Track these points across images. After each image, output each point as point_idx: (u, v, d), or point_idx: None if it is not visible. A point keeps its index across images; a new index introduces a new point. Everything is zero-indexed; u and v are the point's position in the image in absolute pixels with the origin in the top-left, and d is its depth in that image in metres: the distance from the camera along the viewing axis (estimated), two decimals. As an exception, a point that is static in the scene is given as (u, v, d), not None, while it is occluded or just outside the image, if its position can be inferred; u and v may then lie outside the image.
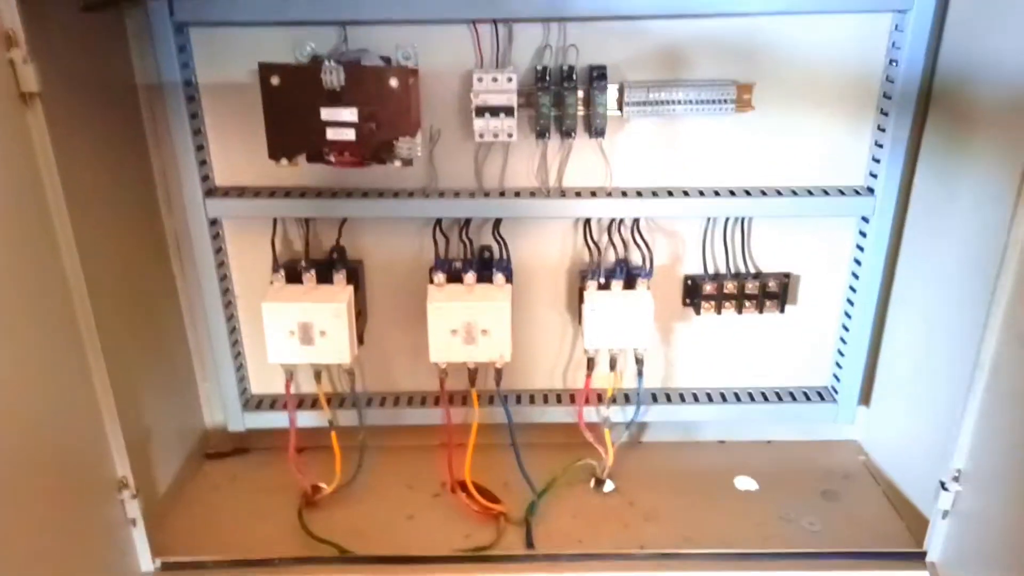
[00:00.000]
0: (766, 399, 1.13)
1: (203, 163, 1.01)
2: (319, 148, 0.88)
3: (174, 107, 0.96)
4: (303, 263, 0.99)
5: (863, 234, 1.04)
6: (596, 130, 0.96)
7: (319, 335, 0.97)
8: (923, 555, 0.98)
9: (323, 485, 1.06)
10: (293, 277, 0.99)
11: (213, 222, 1.02)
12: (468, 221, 1.02)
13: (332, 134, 0.86)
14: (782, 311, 1.07)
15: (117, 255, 0.96)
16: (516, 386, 1.11)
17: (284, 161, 0.88)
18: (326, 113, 0.85)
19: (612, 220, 1.03)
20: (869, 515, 1.06)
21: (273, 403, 1.12)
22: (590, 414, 1.08)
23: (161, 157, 1.02)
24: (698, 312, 1.06)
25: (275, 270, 0.99)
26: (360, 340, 1.05)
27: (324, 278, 0.99)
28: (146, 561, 0.97)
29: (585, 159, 1.00)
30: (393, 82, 0.85)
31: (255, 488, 1.10)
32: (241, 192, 1.01)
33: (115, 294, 0.94)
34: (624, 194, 1.00)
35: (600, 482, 1.09)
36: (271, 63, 0.86)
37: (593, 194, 1.00)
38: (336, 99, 0.86)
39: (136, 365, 0.99)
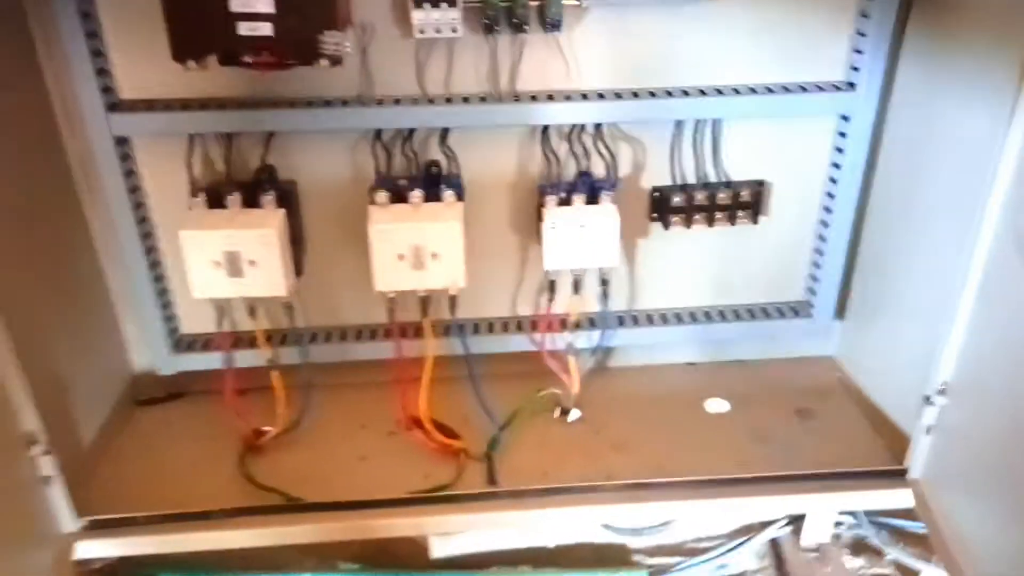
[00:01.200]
0: (738, 317, 1.10)
1: (102, 72, 0.91)
2: (232, 46, 0.78)
3: (62, 6, 0.85)
4: (226, 185, 0.92)
5: (842, 135, 1.00)
6: (551, 22, 0.89)
7: (248, 265, 0.90)
8: (904, 472, 0.96)
9: (267, 428, 1.01)
10: (217, 201, 0.92)
11: (120, 141, 0.93)
12: (411, 132, 0.95)
13: (245, 29, 0.77)
14: (755, 222, 1.04)
15: (11, 186, 0.86)
16: (472, 314, 1.08)
17: (192, 64, 0.79)
18: (236, 3, 0.75)
19: (572, 127, 0.97)
20: (847, 433, 1.04)
21: (207, 343, 1.06)
22: (553, 341, 1.05)
23: (55, 68, 0.92)
24: (667, 227, 1.03)
25: (193, 194, 0.92)
26: (298, 270, 0.98)
27: (251, 202, 0.92)
28: (68, 521, 0.90)
29: (540, 58, 0.94)
30: (313, -36, 0.74)
31: (191, 435, 1.05)
32: (150, 105, 0.92)
33: (10, 229, 0.86)
34: (585, 97, 0.95)
35: (565, 411, 1.08)
36: (167, -59, 0.73)
37: (550, 97, 0.94)
38: (247, -14, 0.74)
39: (41, 308, 0.91)
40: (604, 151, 0.98)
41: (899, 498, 0.94)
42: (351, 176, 0.99)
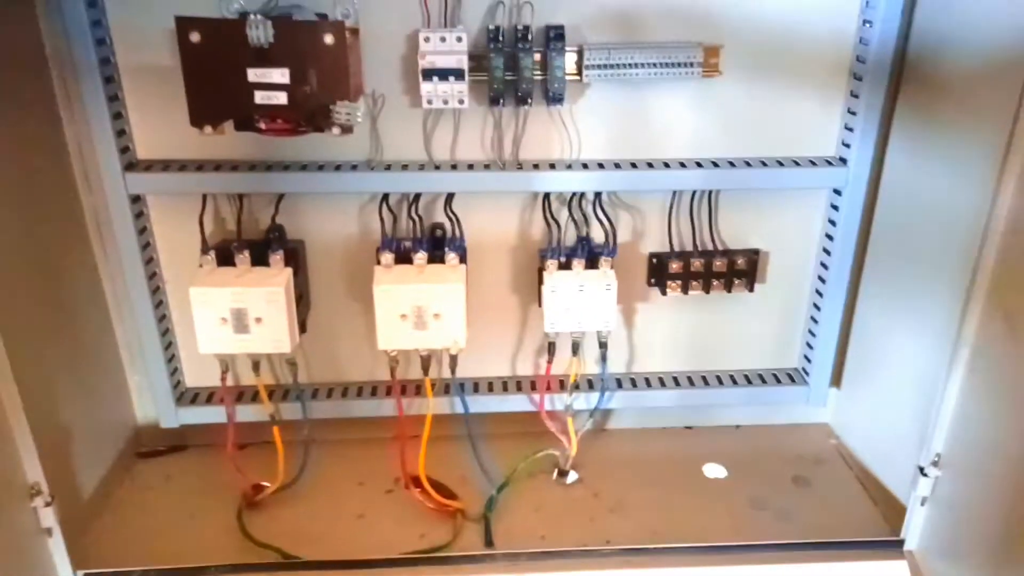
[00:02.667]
0: (735, 382, 1.10)
1: (122, 133, 0.93)
2: (248, 114, 0.80)
3: (86, 71, 0.87)
4: (236, 243, 0.93)
5: (835, 207, 1.01)
6: (554, 96, 0.90)
7: (255, 322, 0.92)
8: (900, 543, 0.95)
9: (265, 484, 1.02)
10: (226, 259, 0.93)
11: (136, 199, 0.95)
12: (417, 196, 0.97)
13: (261, 98, 0.78)
14: (751, 290, 1.04)
15: (28, 237, 0.88)
16: (472, 374, 1.08)
17: (208, 129, 0.80)
18: (253, 74, 0.77)
19: (573, 195, 0.99)
20: (843, 501, 1.04)
21: (210, 397, 1.06)
22: (552, 402, 1.05)
23: (75, 128, 0.94)
24: (664, 292, 1.03)
25: (204, 251, 0.93)
26: (302, 327, 1.00)
27: (260, 260, 0.94)
28: (65, 573, 0.89)
29: (543, 129, 0.95)
30: (328, 38, 0.77)
31: (191, 489, 1.05)
32: (165, 166, 0.94)
33: (25, 279, 0.88)
34: (585, 166, 0.96)
35: (563, 473, 1.07)
36: (189, 17, 0.77)
37: (552, 166, 0.96)
38: (264, 58, 0.78)
39: (50, 358, 0.92)
40: (603, 218, 0.99)
41: (896, 569, 0.93)
42: (358, 237, 1.00)
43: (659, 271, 1.03)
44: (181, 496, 1.04)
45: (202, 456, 1.10)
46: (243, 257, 0.93)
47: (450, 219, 0.98)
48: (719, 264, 1.02)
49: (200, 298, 0.90)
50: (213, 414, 1.04)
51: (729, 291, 1.03)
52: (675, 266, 1.02)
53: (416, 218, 0.97)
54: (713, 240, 1.03)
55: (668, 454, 1.11)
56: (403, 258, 0.95)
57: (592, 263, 0.98)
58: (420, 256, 0.95)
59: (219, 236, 0.98)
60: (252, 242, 0.95)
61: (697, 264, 1.02)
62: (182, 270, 0.99)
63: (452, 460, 1.04)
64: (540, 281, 0.98)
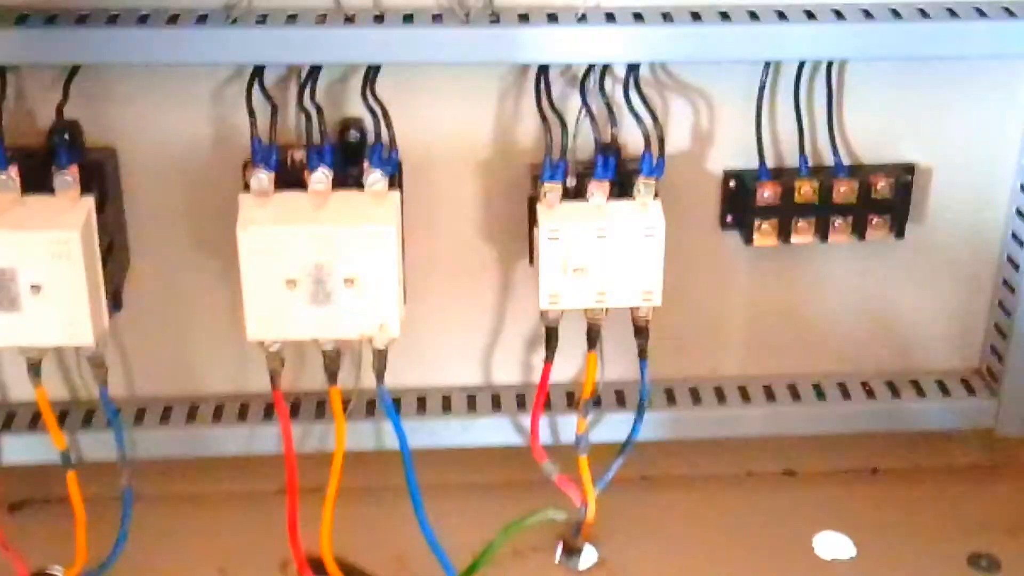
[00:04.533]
0: (869, 394, 1.13)
1: None
2: None
3: None
4: None
5: None
6: None
7: (29, 292, 0.91)
8: None
9: (55, 571, 1.04)
10: None
11: None
12: (315, 72, 0.96)
13: None
14: (899, 235, 1.05)
15: None
16: (414, 382, 1.11)
17: None
18: None
19: (589, 70, 0.99)
20: None
21: None
22: (552, 429, 1.08)
23: None
24: (748, 240, 1.04)
25: None
26: (114, 302, 1.01)
27: (38, 183, 0.95)
28: None
29: None
30: None
31: None
32: None
33: None
34: (611, 18, 0.95)
35: (572, 551, 1.08)
36: None
37: (552, 18, 0.95)
38: None
39: None
40: (642, 111, 0.98)
41: None
42: (209, 143, 1.01)
43: (740, 203, 1.04)
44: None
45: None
46: (5, 179, 0.93)
47: (372, 113, 0.97)
48: (844, 190, 1.03)
49: (-68, 253, 0.90)
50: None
51: (862, 238, 1.05)
52: (768, 194, 1.02)
53: (312, 110, 0.96)
54: (835, 149, 1.03)
55: (754, 518, 1.13)
56: (290, 179, 0.96)
57: (623, 189, 0.98)
58: (320, 176, 0.95)
59: (-35, 142, 0.97)
60: (24, 151, 0.96)
61: (807, 190, 1.03)
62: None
63: (380, 529, 1.06)
64: (532, 221, 0.99)
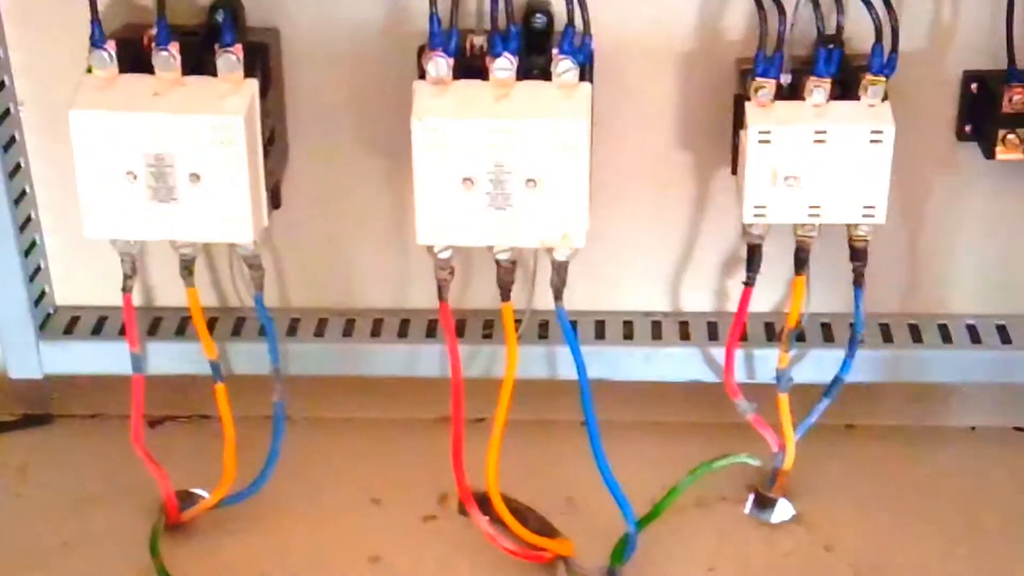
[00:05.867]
0: None
1: None
2: None
3: None
4: (154, 32, 0.93)
5: None
6: None
7: (186, 182, 0.90)
8: None
9: (199, 492, 1.04)
10: (137, 61, 0.94)
11: None
12: None
13: None
14: None
15: None
16: (594, 305, 1.09)
17: None
18: None
19: None
20: None
21: (100, 325, 1.10)
22: (749, 364, 1.07)
23: None
24: (990, 153, 1.00)
25: (96, 44, 0.93)
26: (274, 199, 1.01)
27: (196, 63, 0.94)
28: None
29: None
30: None
31: (65, 494, 1.09)
32: None
33: None
34: None
35: (766, 502, 1.07)
36: None
37: None
38: None
39: None
40: None
41: None
42: (381, 25, 1.00)
43: (982, 109, 1.01)
44: (46, 506, 1.07)
45: (84, 434, 1.14)
46: (166, 56, 0.92)
47: (562, -4, 0.95)
48: None
49: (85, 129, 0.90)
50: (104, 357, 1.07)
51: None
52: (1016, 99, 0.99)
53: (498, -8, 0.95)
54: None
55: (977, 480, 1.11)
56: (470, 68, 0.94)
57: (846, 88, 0.95)
58: (504, 63, 0.92)
59: (122, 17, 0.99)
60: (183, 30, 0.95)
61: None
62: (52, 79, 1.02)
63: (549, 466, 1.06)
64: (738, 123, 0.96)
